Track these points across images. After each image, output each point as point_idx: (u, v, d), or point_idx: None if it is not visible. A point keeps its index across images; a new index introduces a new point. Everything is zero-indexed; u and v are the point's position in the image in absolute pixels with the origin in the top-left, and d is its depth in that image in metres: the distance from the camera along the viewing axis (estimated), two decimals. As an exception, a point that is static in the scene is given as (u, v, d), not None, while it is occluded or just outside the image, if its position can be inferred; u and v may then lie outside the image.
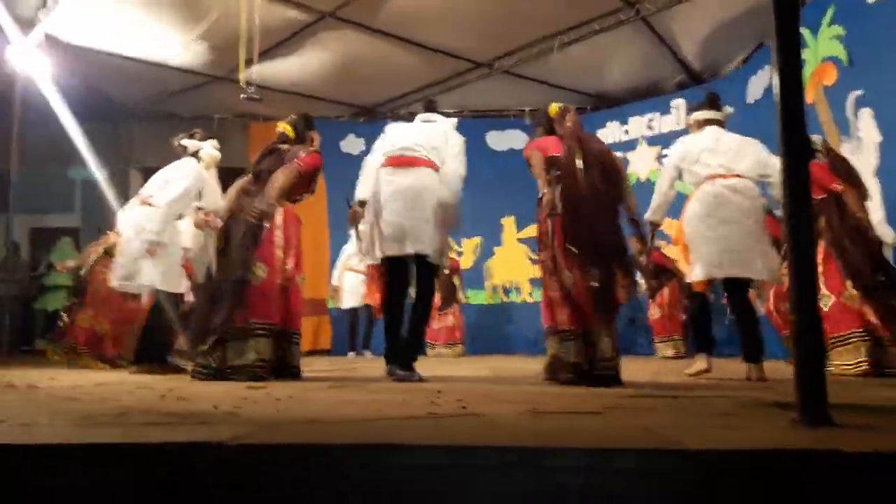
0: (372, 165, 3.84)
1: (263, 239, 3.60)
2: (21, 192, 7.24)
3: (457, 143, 3.81)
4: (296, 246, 3.77)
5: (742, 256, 3.79)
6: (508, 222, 8.83)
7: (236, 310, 3.47)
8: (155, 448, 1.31)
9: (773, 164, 3.71)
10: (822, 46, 5.67)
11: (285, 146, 3.89)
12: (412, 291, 3.87)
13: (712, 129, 4.03)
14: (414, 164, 3.71)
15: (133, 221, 4.53)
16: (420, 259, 3.70)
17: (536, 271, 8.85)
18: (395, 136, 3.85)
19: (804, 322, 1.60)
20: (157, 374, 4.19)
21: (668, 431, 1.53)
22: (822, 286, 4.11)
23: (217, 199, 4.51)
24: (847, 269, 4.10)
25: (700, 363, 3.93)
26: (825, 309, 4.10)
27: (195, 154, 4.68)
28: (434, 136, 3.81)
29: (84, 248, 7.02)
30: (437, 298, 8.00)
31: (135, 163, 9.43)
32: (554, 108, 3.74)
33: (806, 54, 5.80)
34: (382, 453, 1.27)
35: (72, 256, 8.41)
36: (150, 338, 4.46)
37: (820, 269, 4.09)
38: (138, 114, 9.23)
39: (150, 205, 4.51)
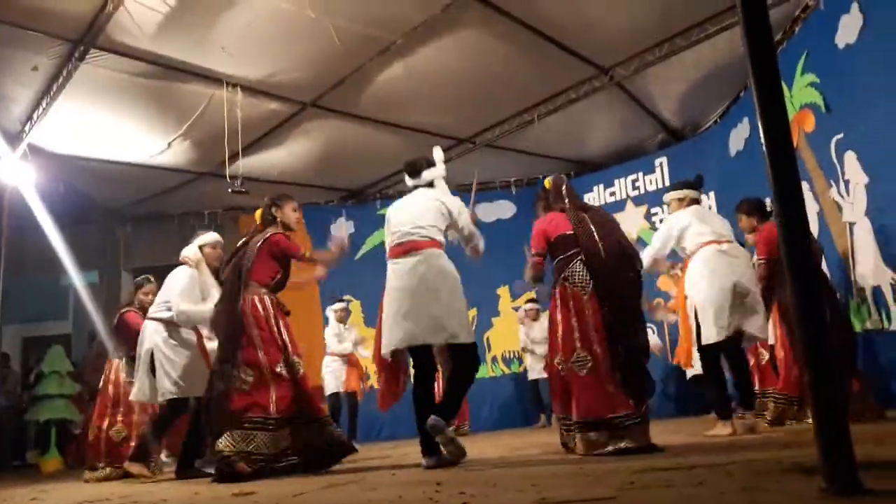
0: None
1: (243, 343, 3.61)
2: (12, 302, 7.17)
3: (458, 214, 3.66)
4: (280, 335, 3.72)
5: (748, 314, 4.01)
6: (504, 291, 8.75)
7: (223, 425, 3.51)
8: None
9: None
10: (798, 94, 5.75)
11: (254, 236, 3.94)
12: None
13: (695, 209, 4.34)
14: (415, 249, 3.55)
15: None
16: (449, 345, 3.47)
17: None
18: (395, 221, 3.72)
19: (820, 379, 1.49)
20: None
21: (688, 515, 1.39)
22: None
23: (202, 298, 4.44)
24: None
25: (723, 428, 3.95)
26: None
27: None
28: (430, 213, 3.62)
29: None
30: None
31: (126, 264, 9.40)
32: (548, 182, 3.84)
33: (782, 103, 5.87)
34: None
35: (63, 364, 8.26)
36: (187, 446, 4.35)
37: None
38: (127, 215, 9.27)
39: (159, 320, 4.50)
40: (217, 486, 3.37)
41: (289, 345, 3.72)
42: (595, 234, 3.50)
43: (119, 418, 5.04)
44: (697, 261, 4.12)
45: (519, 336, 8.43)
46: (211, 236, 4.71)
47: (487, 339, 8.79)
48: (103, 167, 7.63)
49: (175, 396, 4.32)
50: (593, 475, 2.42)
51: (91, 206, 8.74)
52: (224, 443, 3.44)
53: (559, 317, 3.49)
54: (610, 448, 3.17)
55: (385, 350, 3.54)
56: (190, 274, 4.48)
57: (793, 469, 2.06)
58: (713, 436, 3.91)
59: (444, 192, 3.81)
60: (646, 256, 4.08)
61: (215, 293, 4.34)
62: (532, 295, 8.53)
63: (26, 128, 6.59)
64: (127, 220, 9.37)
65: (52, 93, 6.01)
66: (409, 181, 3.91)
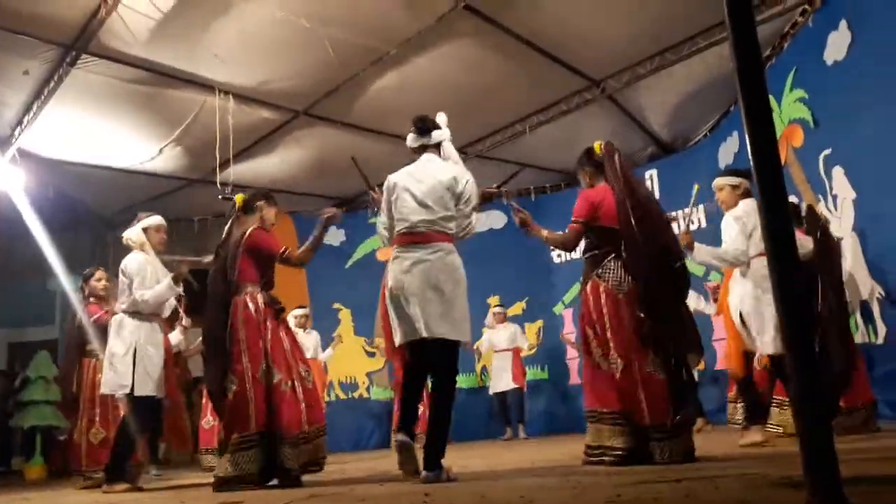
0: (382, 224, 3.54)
1: (232, 351, 3.55)
2: (-1, 307, 7.11)
3: (465, 187, 3.33)
4: (263, 340, 3.60)
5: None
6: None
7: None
8: None
9: None
10: (788, 109, 5.81)
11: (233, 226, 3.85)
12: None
13: (753, 203, 3.90)
14: (424, 241, 3.26)
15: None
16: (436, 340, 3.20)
17: (525, 349, 8.82)
18: (401, 200, 3.39)
19: (806, 393, 1.50)
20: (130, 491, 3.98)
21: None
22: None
23: (158, 280, 4.27)
24: None
25: (756, 435, 3.91)
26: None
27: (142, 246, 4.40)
28: (439, 192, 3.31)
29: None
30: None
31: (115, 269, 9.32)
32: (598, 147, 3.63)
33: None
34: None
35: (49, 370, 8.18)
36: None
37: None
38: (117, 221, 9.21)
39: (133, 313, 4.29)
40: (204, 493, 3.34)
41: (269, 351, 3.57)
42: (638, 235, 3.30)
43: (97, 420, 4.96)
44: (744, 274, 3.93)
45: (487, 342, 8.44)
46: (154, 219, 4.48)
47: (478, 347, 8.78)
48: (93, 172, 7.59)
49: (154, 395, 4.15)
50: (580, 487, 2.41)
51: (81, 211, 8.68)
52: (221, 467, 3.43)
53: (594, 316, 3.41)
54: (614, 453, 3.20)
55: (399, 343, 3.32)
56: (140, 259, 4.28)
57: (781, 483, 2.06)
58: (747, 445, 3.85)
59: (455, 160, 3.54)
60: (727, 256, 3.87)
61: (162, 276, 4.26)
62: (497, 300, 8.56)
63: (16, 132, 6.55)
64: (117, 226, 9.29)
65: (42, 97, 5.98)
66: (414, 140, 3.57)
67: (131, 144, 7.05)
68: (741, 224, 3.88)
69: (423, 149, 3.55)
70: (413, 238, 3.30)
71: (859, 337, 4.91)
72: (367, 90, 6.54)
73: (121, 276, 4.31)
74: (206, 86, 6.18)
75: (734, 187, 4.05)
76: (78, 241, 8.94)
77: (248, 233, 3.78)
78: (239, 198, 3.96)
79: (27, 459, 7.89)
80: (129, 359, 4.13)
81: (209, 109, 6.43)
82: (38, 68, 5.63)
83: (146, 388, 4.11)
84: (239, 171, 7.54)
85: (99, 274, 5.14)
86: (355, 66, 6.09)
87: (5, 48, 5.31)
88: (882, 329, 4.67)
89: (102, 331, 4.71)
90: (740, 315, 3.99)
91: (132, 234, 4.39)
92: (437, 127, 3.60)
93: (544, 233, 3.73)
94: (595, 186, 3.66)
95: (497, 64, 6.23)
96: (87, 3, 4.91)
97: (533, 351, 8.86)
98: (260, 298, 3.68)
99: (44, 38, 5.25)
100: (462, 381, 8.77)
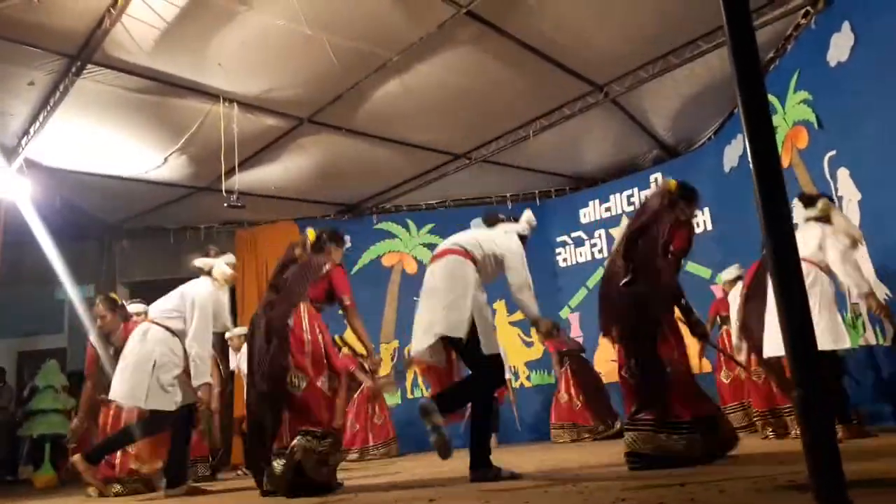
0: None
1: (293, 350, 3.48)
2: (7, 316, 7.14)
3: (510, 251, 3.61)
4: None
5: None
6: (500, 306, 8.72)
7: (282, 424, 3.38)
8: None
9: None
10: (792, 111, 5.80)
11: (303, 255, 3.81)
12: None
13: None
14: (443, 254, 3.62)
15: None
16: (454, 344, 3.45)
17: (531, 354, 8.81)
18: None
19: (810, 397, 1.50)
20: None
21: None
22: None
23: (226, 321, 4.38)
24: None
25: None
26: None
27: (209, 272, 4.42)
28: (482, 235, 3.73)
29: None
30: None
31: (122, 278, 9.39)
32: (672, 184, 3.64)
33: (776, 120, 5.92)
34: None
35: (58, 378, 8.21)
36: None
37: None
38: (123, 230, 9.27)
39: (166, 328, 4.28)
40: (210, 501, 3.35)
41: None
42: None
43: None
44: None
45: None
46: (231, 258, 4.58)
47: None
48: (100, 181, 7.63)
49: (171, 411, 4.16)
50: (586, 492, 2.41)
51: (87, 220, 8.72)
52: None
53: None
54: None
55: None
56: (216, 297, 4.31)
57: (786, 486, 2.06)
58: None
59: (509, 237, 3.75)
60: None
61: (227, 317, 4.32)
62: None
63: (23, 142, 6.59)
64: (123, 235, 9.36)
65: (48, 107, 6.02)
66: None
67: (137, 153, 7.09)
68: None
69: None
70: (434, 256, 3.71)
71: (867, 339, 4.89)
72: (370, 97, 6.56)
73: (183, 294, 4.32)
74: (211, 94, 6.21)
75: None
76: (85, 250, 9.01)
77: (334, 265, 3.84)
78: (311, 235, 3.93)
79: (36, 468, 7.91)
80: (146, 369, 4.12)
81: (214, 118, 6.46)
82: (43, 79, 5.66)
83: (157, 403, 4.11)
84: (244, 178, 7.57)
85: (98, 310, 5.04)
86: (358, 74, 6.11)
87: (11, 59, 5.34)
88: (889, 330, 4.64)
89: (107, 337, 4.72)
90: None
91: (222, 267, 4.42)
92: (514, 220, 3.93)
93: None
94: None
95: (499, 69, 6.24)
96: (91, 14, 4.94)
97: (540, 354, 8.85)
98: (311, 308, 3.71)
99: (49, 48, 5.29)
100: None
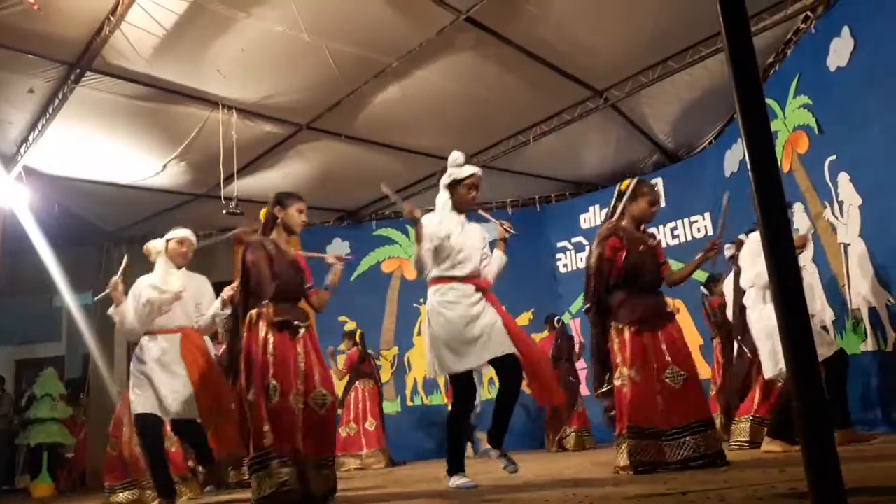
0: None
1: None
2: (5, 324, 7.13)
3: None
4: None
5: None
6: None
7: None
8: None
9: None
10: (792, 116, 5.78)
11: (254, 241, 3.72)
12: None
13: None
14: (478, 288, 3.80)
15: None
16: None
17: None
18: (452, 246, 3.68)
19: (809, 405, 1.47)
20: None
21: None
22: None
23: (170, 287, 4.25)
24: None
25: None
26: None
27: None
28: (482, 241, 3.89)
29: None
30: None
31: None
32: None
33: (777, 124, 5.91)
34: None
35: (56, 387, 8.18)
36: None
37: None
38: (122, 237, 9.25)
39: None
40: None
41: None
42: None
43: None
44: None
45: None
46: (179, 231, 4.51)
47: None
48: (98, 189, 7.62)
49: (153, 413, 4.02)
50: (587, 501, 2.38)
51: (86, 227, 8.71)
52: None
53: None
54: None
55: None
56: (147, 282, 4.30)
57: (787, 494, 2.03)
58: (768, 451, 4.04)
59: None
60: None
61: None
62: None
63: (22, 149, 6.58)
64: (122, 242, 9.33)
65: (47, 115, 6.01)
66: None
67: (136, 160, 7.08)
68: None
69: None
70: (465, 281, 3.92)
71: (868, 345, 4.86)
72: (369, 103, 6.55)
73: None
74: (210, 101, 6.20)
75: None
76: (83, 258, 8.97)
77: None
78: (262, 215, 3.87)
79: (33, 478, 7.87)
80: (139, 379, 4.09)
81: (213, 124, 6.46)
82: (42, 86, 5.66)
83: (140, 406, 3.99)
84: (243, 185, 7.56)
85: None
86: (357, 80, 6.10)
87: (10, 67, 5.34)
88: (891, 335, 4.62)
89: None
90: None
91: (156, 243, 4.51)
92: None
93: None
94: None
95: (499, 75, 6.24)
96: (90, 21, 4.94)
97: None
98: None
99: (48, 56, 5.29)
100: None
